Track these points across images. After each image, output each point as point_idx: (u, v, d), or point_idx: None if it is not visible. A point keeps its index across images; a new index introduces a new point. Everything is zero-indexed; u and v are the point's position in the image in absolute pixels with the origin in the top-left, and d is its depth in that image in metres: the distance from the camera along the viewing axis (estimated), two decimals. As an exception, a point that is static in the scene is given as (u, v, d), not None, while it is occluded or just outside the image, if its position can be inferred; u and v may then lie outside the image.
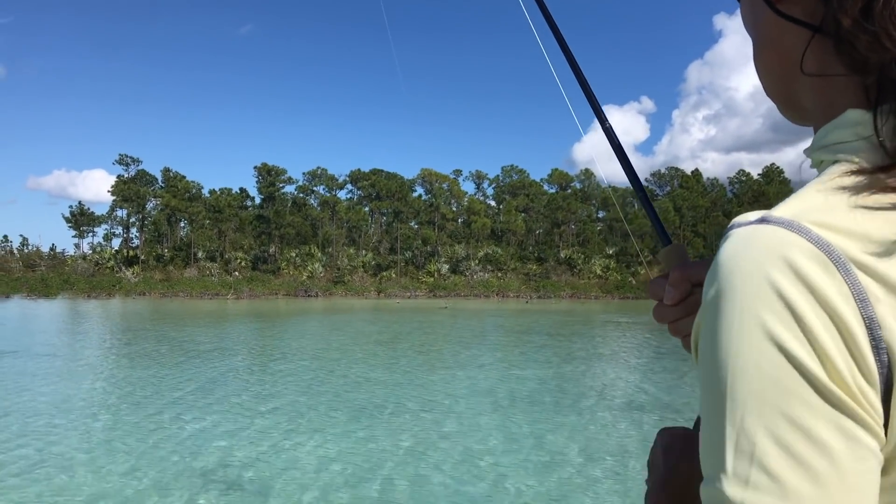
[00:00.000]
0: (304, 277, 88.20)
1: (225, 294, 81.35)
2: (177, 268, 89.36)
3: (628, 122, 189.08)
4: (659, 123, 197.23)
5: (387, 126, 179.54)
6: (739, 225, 0.59)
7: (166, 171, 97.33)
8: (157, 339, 30.14)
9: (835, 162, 0.62)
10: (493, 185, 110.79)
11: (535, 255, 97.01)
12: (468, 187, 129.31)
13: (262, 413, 14.07)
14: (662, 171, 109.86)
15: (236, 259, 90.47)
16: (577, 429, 12.90)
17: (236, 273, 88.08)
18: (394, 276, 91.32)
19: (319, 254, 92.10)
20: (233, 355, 23.96)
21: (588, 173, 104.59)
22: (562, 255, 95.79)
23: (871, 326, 0.53)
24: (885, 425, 0.54)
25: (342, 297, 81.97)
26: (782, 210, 0.59)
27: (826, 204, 0.58)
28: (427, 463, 10.48)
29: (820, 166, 0.66)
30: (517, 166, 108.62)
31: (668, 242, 0.98)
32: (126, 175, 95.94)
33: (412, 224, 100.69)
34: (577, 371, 20.64)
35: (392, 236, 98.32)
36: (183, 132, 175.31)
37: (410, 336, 32.78)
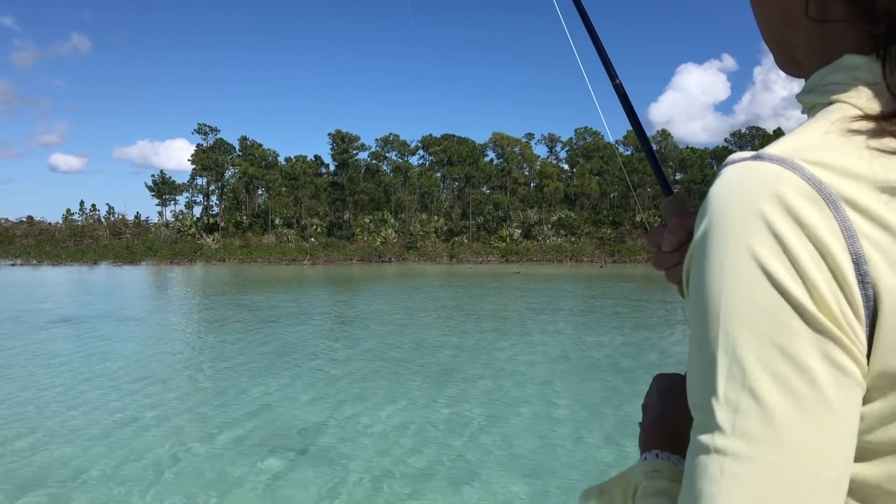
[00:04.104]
0: (378, 243, 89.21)
1: (301, 260, 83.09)
2: (255, 234, 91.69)
3: (708, 80, 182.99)
4: (740, 81, 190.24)
5: (458, 91, 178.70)
6: (733, 162, 0.60)
7: (243, 139, 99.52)
8: (236, 304, 31.01)
9: (829, 104, 0.62)
10: (567, 149, 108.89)
11: (610, 218, 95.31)
12: (540, 151, 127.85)
13: (337, 378, 14.29)
14: (742, 130, 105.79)
15: (312, 225, 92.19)
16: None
17: (312, 239, 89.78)
18: (466, 241, 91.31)
19: (392, 220, 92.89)
20: (310, 320, 24.43)
21: (665, 134, 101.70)
22: (637, 218, 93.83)
23: (859, 262, 0.54)
24: (868, 356, 0.56)
25: (415, 263, 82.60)
26: (776, 147, 0.59)
27: (820, 143, 0.58)
28: (500, 429, 10.44)
29: (812, 110, 0.65)
30: (591, 128, 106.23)
31: (670, 194, 1.01)
32: (205, 144, 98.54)
33: (484, 189, 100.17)
34: (652, 339, 20.24)
35: (464, 201, 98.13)
36: (258, 101, 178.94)
37: (483, 301, 32.76)
